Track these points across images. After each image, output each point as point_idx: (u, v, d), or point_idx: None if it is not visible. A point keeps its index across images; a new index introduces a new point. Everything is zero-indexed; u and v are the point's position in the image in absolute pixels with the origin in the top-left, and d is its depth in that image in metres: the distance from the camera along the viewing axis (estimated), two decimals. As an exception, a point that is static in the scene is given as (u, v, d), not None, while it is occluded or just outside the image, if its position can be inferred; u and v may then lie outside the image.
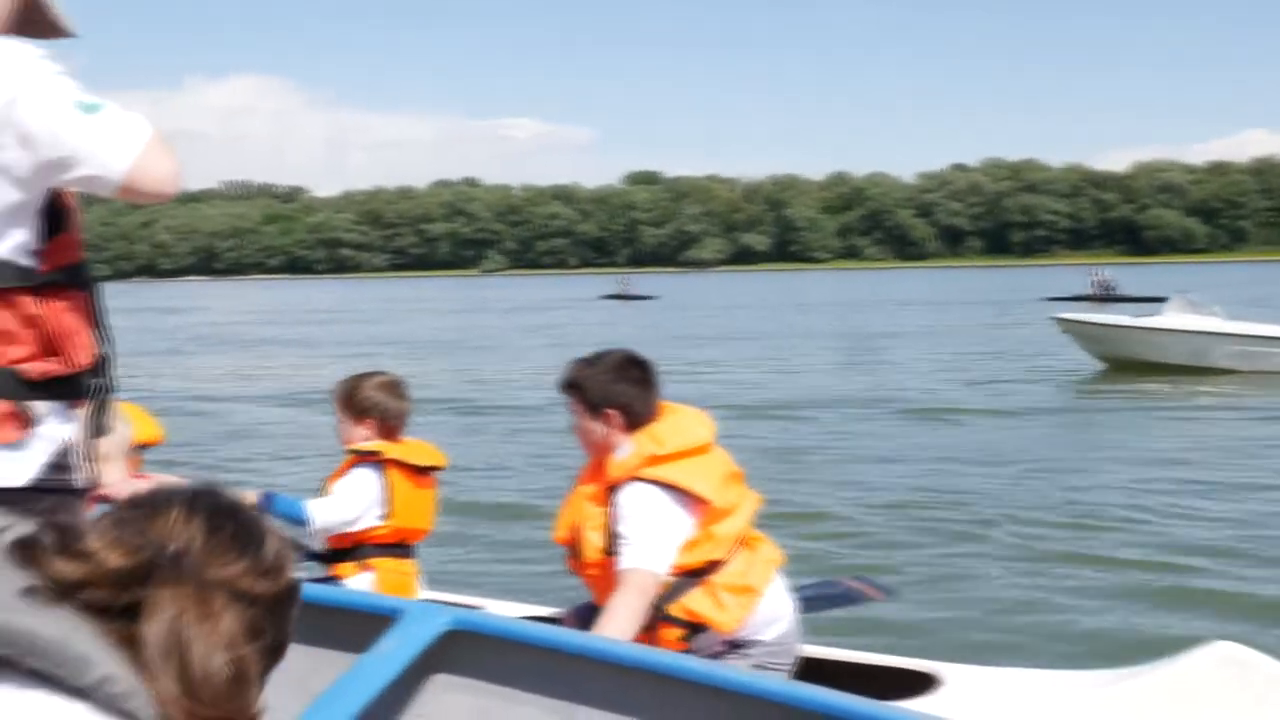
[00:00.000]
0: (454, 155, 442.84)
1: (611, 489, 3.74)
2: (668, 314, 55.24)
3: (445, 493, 5.24)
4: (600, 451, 3.90)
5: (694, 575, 3.65)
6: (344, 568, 4.73)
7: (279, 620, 1.29)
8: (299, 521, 4.57)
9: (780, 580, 3.90)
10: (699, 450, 3.81)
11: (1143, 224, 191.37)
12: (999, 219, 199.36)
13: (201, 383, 24.90)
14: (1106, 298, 53.44)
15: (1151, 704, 3.57)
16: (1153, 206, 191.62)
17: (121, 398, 4.53)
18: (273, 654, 1.32)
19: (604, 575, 3.70)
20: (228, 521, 1.27)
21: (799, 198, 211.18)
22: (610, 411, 3.84)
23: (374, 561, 4.71)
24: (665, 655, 2.94)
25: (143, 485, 4.38)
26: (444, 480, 5.16)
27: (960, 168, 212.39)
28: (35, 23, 2.38)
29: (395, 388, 4.93)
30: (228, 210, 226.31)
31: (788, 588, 3.94)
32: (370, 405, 4.85)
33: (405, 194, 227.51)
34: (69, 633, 1.01)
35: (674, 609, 3.61)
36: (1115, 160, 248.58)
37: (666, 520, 3.66)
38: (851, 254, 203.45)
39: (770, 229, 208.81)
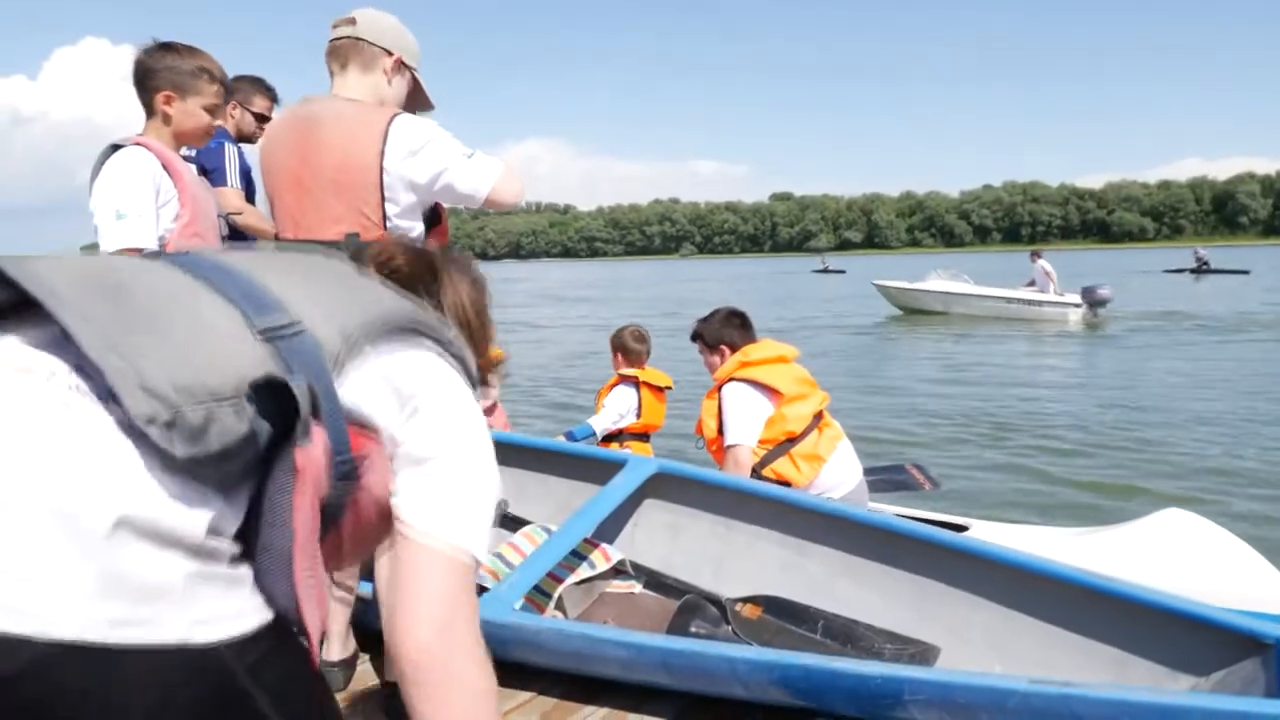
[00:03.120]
0: (662, 183, 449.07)
1: (719, 389, 3.57)
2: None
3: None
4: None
5: (779, 449, 3.42)
6: (610, 446, 4.74)
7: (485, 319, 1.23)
8: (592, 435, 4.66)
9: (847, 455, 3.53)
10: (776, 360, 3.56)
11: (1111, 223, 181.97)
12: (1014, 220, 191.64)
13: (544, 323, 23.75)
14: (1199, 270, 41.33)
15: (1112, 553, 3.17)
16: (1118, 211, 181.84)
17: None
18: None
19: (719, 449, 3.53)
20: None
21: (882, 207, 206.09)
22: (723, 348, 3.67)
23: (629, 444, 4.72)
24: (792, 492, 2.88)
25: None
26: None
27: (989, 187, 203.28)
28: (415, 98, 2.39)
29: (640, 336, 4.90)
30: (527, 219, 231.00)
31: (856, 462, 3.59)
32: (624, 347, 4.87)
33: (633, 208, 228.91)
34: (431, 313, 1.03)
35: (766, 472, 3.40)
36: (1094, 180, 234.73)
37: (753, 406, 3.44)
38: (915, 244, 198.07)
39: (862, 228, 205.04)
